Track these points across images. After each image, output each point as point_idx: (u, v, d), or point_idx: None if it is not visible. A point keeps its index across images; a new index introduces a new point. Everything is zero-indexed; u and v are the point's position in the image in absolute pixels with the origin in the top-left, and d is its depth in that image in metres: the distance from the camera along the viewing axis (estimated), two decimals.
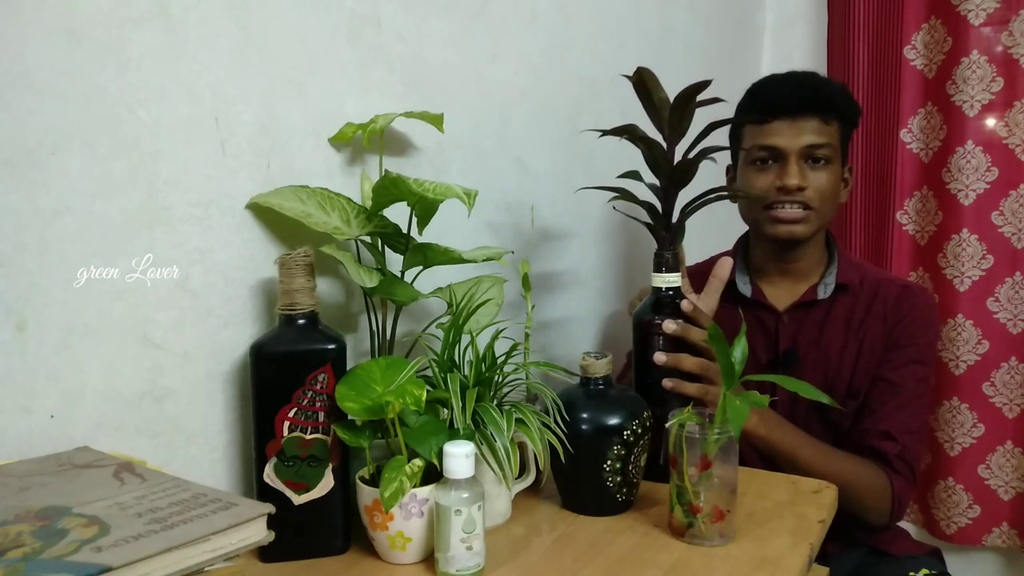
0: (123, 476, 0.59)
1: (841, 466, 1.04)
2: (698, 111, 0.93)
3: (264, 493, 0.71)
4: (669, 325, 0.93)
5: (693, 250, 1.43)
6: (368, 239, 0.83)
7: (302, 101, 0.83)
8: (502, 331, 0.84)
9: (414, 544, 0.70)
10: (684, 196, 0.98)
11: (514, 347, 0.83)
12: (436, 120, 0.89)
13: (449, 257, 0.83)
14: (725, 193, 0.98)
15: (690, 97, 0.91)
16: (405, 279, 0.84)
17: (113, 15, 0.66)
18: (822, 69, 1.95)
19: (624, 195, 0.98)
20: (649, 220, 0.98)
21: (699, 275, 1.28)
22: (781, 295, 1.21)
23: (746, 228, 1.28)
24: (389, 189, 0.76)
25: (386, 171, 0.76)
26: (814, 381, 0.87)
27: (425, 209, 0.81)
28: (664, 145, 0.95)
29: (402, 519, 0.69)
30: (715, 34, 1.80)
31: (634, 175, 0.98)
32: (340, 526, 0.74)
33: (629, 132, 0.94)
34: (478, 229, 1.10)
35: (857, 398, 1.14)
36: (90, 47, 0.65)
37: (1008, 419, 1.74)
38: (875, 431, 1.10)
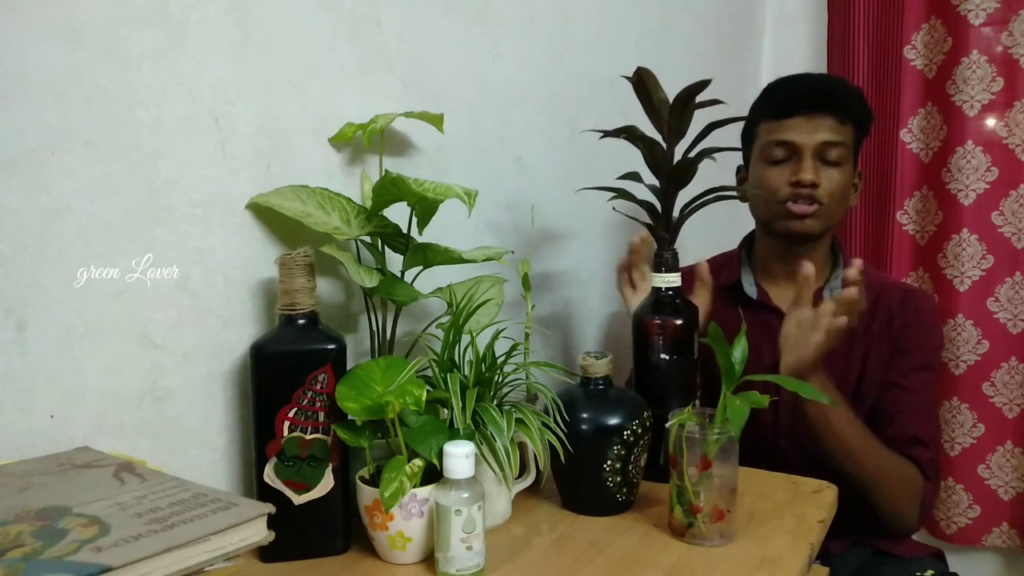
0: (123, 476, 0.59)
1: (884, 460, 1.06)
2: (698, 112, 0.93)
3: (264, 493, 0.71)
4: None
5: (694, 250, 1.43)
6: (368, 239, 0.83)
7: (302, 101, 0.83)
8: (502, 331, 0.84)
9: (414, 544, 0.70)
10: (685, 196, 0.98)
11: (514, 347, 0.83)
12: (436, 120, 0.89)
13: (449, 257, 0.83)
14: (726, 193, 0.98)
15: (690, 97, 0.91)
16: (405, 279, 0.84)
17: (113, 15, 0.66)
18: (822, 69, 1.95)
19: (623, 195, 0.98)
20: (649, 220, 0.98)
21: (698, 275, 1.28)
22: (786, 296, 1.21)
23: (749, 228, 1.28)
24: (389, 189, 0.76)
25: (386, 171, 0.76)
26: None
27: (425, 209, 0.81)
28: (664, 145, 0.95)
29: (402, 519, 0.69)
30: (715, 34, 1.80)
31: (634, 176, 0.98)
32: (340, 526, 0.74)
33: (629, 132, 0.94)
34: (478, 229, 1.10)
35: (864, 401, 1.14)
36: (90, 47, 0.65)
37: (1008, 419, 1.74)
38: (905, 438, 1.11)
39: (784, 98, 1.16)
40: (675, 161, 0.95)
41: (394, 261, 0.86)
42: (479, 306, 0.85)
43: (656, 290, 0.96)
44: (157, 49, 0.70)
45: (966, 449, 1.76)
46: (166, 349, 0.72)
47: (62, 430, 0.65)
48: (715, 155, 0.94)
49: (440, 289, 0.89)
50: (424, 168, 0.99)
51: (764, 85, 1.22)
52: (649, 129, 0.96)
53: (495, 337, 0.82)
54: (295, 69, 0.82)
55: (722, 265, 1.27)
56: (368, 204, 0.80)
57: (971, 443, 1.76)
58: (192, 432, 0.75)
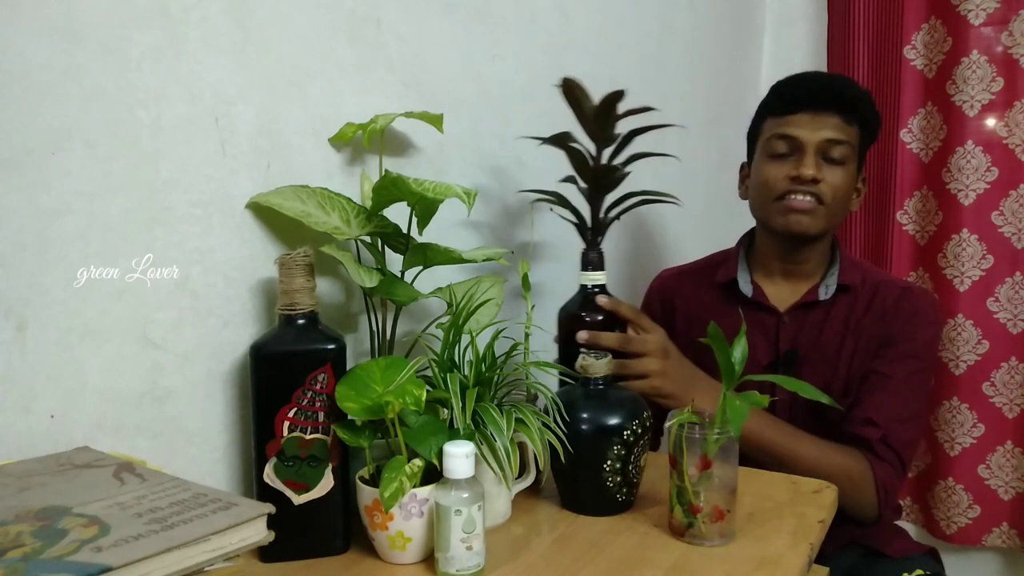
0: (123, 476, 0.59)
1: (811, 451, 1.03)
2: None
3: (264, 493, 0.71)
4: (581, 335, 0.96)
5: (694, 248, 1.43)
6: (368, 239, 0.83)
7: (302, 101, 0.83)
8: (502, 331, 0.84)
9: (414, 544, 0.70)
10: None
11: (514, 347, 0.83)
12: (436, 120, 0.89)
13: (449, 257, 0.83)
14: (650, 198, 1.03)
15: (610, 106, 0.94)
16: (405, 279, 0.84)
17: (113, 15, 0.66)
18: (822, 69, 1.95)
19: (556, 198, 1.02)
20: (575, 220, 1.02)
21: (698, 272, 1.28)
22: (782, 295, 1.21)
23: (750, 226, 1.27)
24: (389, 189, 0.76)
25: (386, 171, 0.76)
26: (813, 382, 0.87)
27: (425, 209, 0.81)
28: (593, 151, 0.99)
29: (402, 519, 0.69)
30: (715, 34, 1.80)
31: (571, 179, 1.02)
32: (340, 526, 0.74)
33: (560, 140, 0.97)
34: (478, 229, 1.10)
35: (851, 397, 1.14)
36: (90, 47, 0.65)
37: (1008, 419, 1.74)
38: (859, 419, 1.09)
39: (791, 93, 1.15)
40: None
41: (394, 261, 0.86)
42: (479, 306, 0.85)
43: (583, 288, 0.99)
44: (157, 49, 0.70)
45: (966, 449, 1.76)
46: (166, 349, 0.72)
47: (62, 430, 0.65)
48: (638, 161, 0.98)
49: (440, 289, 0.89)
50: (424, 168, 0.99)
51: (764, 85, 1.22)
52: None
53: (495, 337, 0.82)
54: (295, 69, 0.82)
55: (719, 263, 1.27)
56: (368, 204, 0.80)
57: (971, 443, 1.76)
58: (192, 432, 0.75)
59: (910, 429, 1.11)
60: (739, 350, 0.79)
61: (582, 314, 0.98)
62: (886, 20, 1.81)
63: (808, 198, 1.12)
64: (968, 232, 1.72)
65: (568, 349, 0.98)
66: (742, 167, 1.27)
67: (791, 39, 2.05)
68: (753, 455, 1.02)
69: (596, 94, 1.36)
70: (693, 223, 1.71)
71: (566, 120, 1.26)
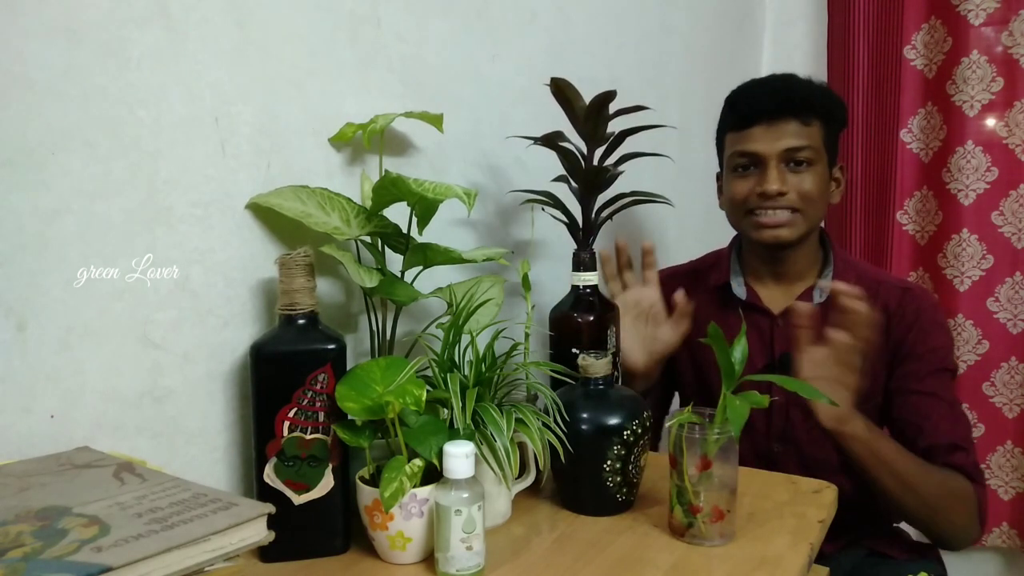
0: (123, 476, 0.59)
1: (933, 479, 1.02)
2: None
3: (264, 493, 0.71)
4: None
5: (694, 249, 1.43)
6: (368, 239, 0.83)
7: (302, 101, 0.83)
8: (502, 331, 0.84)
9: (414, 544, 0.70)
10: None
11: (514, 347, 0.83)
12: (436, 120, 0.89)
13: (449, 257, 0.83)
14: (641, 198, 1.03)
15: (600, 106, 0.94)
16: (405, 279, 0.84)
17: (113, 15, 0.66)
18: (822, 69, 1.95)
19: (548, 198, 1.03)
20: (566, 220, 1.03)
21: (690, 273, 1.28)
22: (776, 297, 1.20)
23: None
24: (389, 189, 0.76)
25: (386, 171, 0.76)
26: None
27: (425, 209, 0.81)
28: (584, 151, 0.99)
29: (402, 519, 0.69)
30: (715, 34, 1.80)
31: (563, 179, 1.02)
32: (340, 526, 0.74)
33: (551, 140, 0.97)
34: (478, 229, 1.10)
35: (866, 403, 1.12)
36: (90, 47, 0.65)
37: (1008, 419, 1.74)
38: (942, 447, 1.07)
39: (744, 108, 1.14)
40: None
41: (394, 261, 0.86)
42: (479, 306, 0.85)
43: (575, 288, 0.99)
44: (157, 49, 0.70)
45: None
46: (166, 349, 0.72)
47: (62, 430, 0.65)
48: (629, 162, 0.98)
49: (440, 289, 0.89)
50: (424, 168, 0.99)
51: None
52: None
53: (495, 337, 0.82)
54: (295, 69, 0.82)
55: (712, 265, 1.26)
56: (368, 204, 0.80)
57: None
58: (192, 432, 0.75)
59: (974, 444, 1.12)
60: (739, 350, 0.79)
61: (574, 315, 0.98)
62: (886, 20, 1.81)
63: (779, 211, 1.12)
64: (968, 232, 1.72)
65: (561, 349, 0.98)
66: (718, 177, 1.26)
67: (791, 39, 2.05)
68: (885, 487, 1.00)
69: (594, 95, 1.36)
70: (693, 224, 1.71)
71: (566, 120, 1.26)
